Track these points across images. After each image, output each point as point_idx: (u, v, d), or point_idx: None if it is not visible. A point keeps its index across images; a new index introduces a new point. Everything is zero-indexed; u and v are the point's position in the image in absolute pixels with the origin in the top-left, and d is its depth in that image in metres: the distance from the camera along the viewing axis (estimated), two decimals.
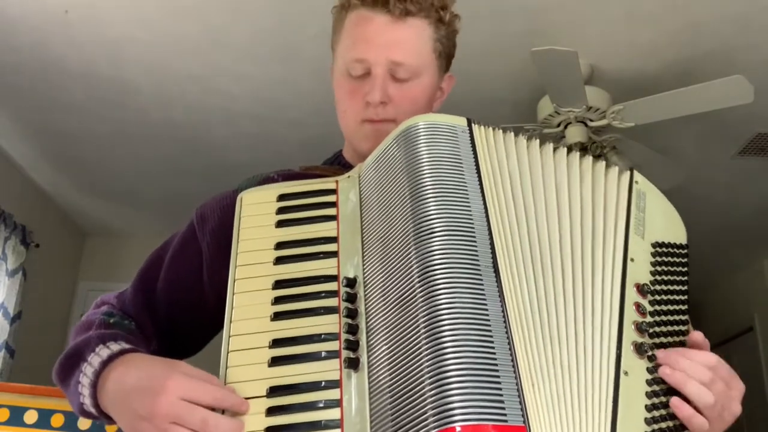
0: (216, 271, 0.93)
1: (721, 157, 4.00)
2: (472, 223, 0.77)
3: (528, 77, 3.27)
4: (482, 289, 0.72)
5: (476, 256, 0.74)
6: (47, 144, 4.25)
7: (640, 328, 0.79)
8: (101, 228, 5.50)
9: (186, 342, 1.02)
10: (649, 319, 0.80)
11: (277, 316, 0.81)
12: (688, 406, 0.76)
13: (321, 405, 0.74)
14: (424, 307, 0.71)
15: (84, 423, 2.23)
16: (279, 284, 0.83)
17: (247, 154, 4.19)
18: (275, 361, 0.77)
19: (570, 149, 0.91)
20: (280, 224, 0.88)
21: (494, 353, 0.68)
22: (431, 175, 0.80)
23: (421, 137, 0.83)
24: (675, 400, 0.76)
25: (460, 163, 0.82)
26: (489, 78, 3.40)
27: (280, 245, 0.86)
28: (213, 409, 0.74)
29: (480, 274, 0.73)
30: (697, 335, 0.83)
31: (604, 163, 0.92)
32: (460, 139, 0.84)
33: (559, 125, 3.25)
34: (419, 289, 0.72)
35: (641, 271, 0.84)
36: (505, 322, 0.71)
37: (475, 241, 0.75)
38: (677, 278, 0.87)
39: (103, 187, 4.81)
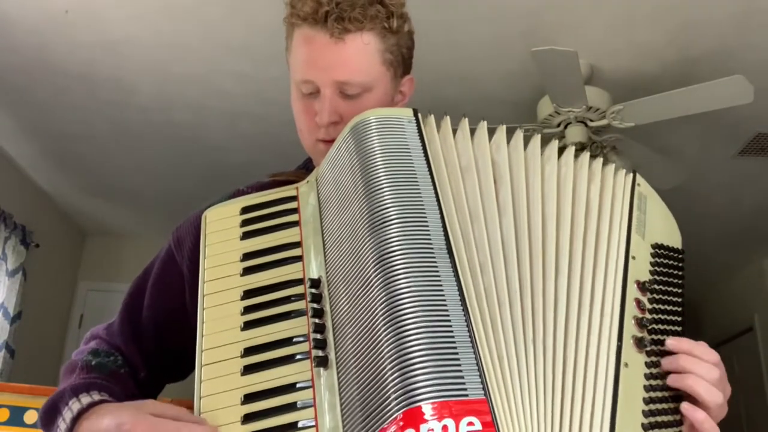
0: (196, 292, 0.93)
1: (721, 157, 4.00)
2: (424, 209, 0.78)
3: (528, 77, 3.27)
4: (437, 272, 0.73)
5: (429, 240, 0.76)
6: (47, 144, 4.26)
7: (640, 323, 0.80)
8: (101, 228, 5.51)
9: (177, 365, 1.02)
10: (648, 315, 0.82)
11: (248, 326, 0.81)
12: (699, 410, 0.76)
13: (297, 406, 0.75)
14: (382, 294, 0.72)
15: None
16: (248, 294, 0.84)
17: (246, 154, 4.20)
18: (248, 369, 0.78)
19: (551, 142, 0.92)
20: (245, 236, 0.90)
21: (452, 332, 0.69)
22: (383, 166, 0.81)
23: (372, 130, 0.85)
24: (686, 405, 0.76)
25: (408, 151, 0.83)
26: (489, 78, 3.40)
27: (246, 256, 0.87)
28: None
29: (434, 258, 0.74)
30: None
31: (602, 160, 0.93)
32: (407, 130, 0.86)
33: (559, 125, 3.26)
34: (376, 277, 0.73)
35: (642, 269, 0.86)
36: (461, 301, 0.72)
37: (427, 226, 0.77)
38: (674, 281, 0.89)
39: (103, 187, 4.81)
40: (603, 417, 0.70)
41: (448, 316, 0.70)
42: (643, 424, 0.73)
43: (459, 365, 0.67)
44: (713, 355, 0.80)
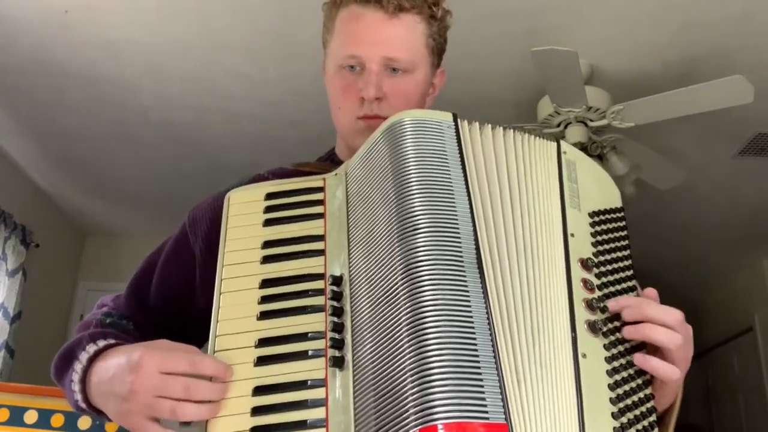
0: (208, 273, 0.93)
1: (721, 157, 3.99)
2: (457, 220, 0.76)
3: (528, 77, 3.27)
4: (466, 287, 0.71)
5: (460, 253, 0.74)
6: (47, 144, 4.25)
7: (590, 305, 0.78)
8: (101, 228, 5.50)
9: (182, 340, 1.03)
10: (597, 293, 0.79)
11: (264, 316, 0.81)
12: (651, 357, 0.76)
13: (307, 404, 0.74)
14: (407, 304, 0.71)
15: (84, 423, 2.23)
16: (266, 283, 0.83)
17: (246, 154, 4.19)
18: (261, 361, 0.77)
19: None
20: (268, 223, 0.88)
21: (476, 351, 0.68)
22: (416, 172, 0.79)
23: (407, 133, 0.83)
24: (638, 357, 0.76)
25: (446, 159, 0.81)
26: (489, 78, 3.39)
27: (267, 244, 0.86)
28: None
29: (464, 272, 0.72)
30: (650, 291, 0.83)
31: (532, 137, 0.90)
32: (445, 135, 0.83)
33: (559, 125, 3.25)
34: (403, 286, 0.72)
35: (583, 245, 0.83)
36: (488, 319, 0.70)
37: (459, 238, 0.75)
38: (618, 244, 0.86)
39: (103, 187, 4.81)
40: (571, 417, 0.69)
41: (474, 334, 0.69)
42: (613, 413, 0.72)
43: (482, 386, 0.66)
44: (669, 309, 0.79)
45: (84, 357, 0.85)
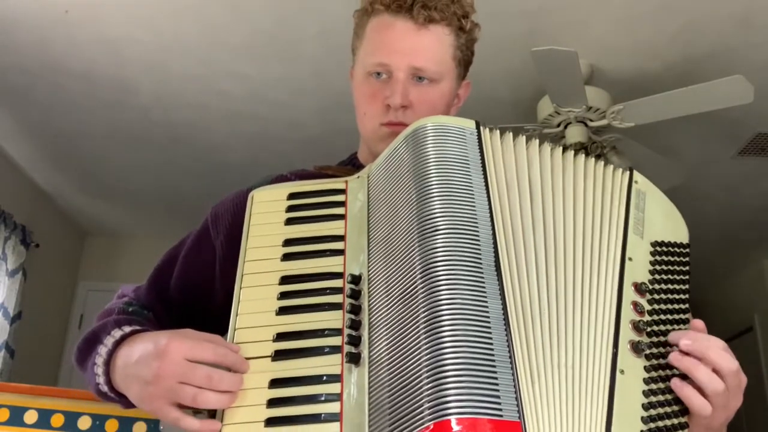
0: (228, 268, 0.96)
1: (721, 157, 4.00)
2: (477, 224, 0.77)
3: (528, 77, 3.27)
4: (483, 288, 0.73)
5: (479, 255, 0.75)
6: (47, 144, 4.26)
7: (637, 327, 0.79)
8: (101, 228, 5.51)
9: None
10: (647, 318, 0.81)
11: (283, 311, 0.83)
12: (688, 386, 0.76)
13: (322, 398, 0.75)
14: (424, 303, 0.72)
15: (84, 423, 2.23)
16: (285, 280, 0.85)
17: (246, 154, 4.20)
18: (278, 355, 0.79)
19: (576, 151, 0.92)
20: (290, 222, 0.91)
21: (492, 350, 0.69)
22: (437, 175, 0.81)
23: (429, 138, 0.85)
24: (676, 380, 0.77)
25: (467, 164, 0.83)
26: (489, 78, 3.40)
27: (288, 242, 0.88)
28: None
29: (482, 273, 0.74)
30: (698, 323, 0.83)
31: (603, 163, 0.92)
32: (468, 141, 0.85)
33: (559, 125, 3.25)
34: (420, 285, 0.73)
35: (640, 270, 0.85)
36: (505, 320, 0.72)
37: (478, 241, 0.76)
38: (678, 277, 0.88)
39: (103, 187, 4.81)
40: (597, 425, 0.70)
41: (490, 333, 0.70)
42: (642, 431, 0.72)
43: (496, 384, 0.67)
44: (720, 344, 0.80)
45: (109, 341, 0.86)
